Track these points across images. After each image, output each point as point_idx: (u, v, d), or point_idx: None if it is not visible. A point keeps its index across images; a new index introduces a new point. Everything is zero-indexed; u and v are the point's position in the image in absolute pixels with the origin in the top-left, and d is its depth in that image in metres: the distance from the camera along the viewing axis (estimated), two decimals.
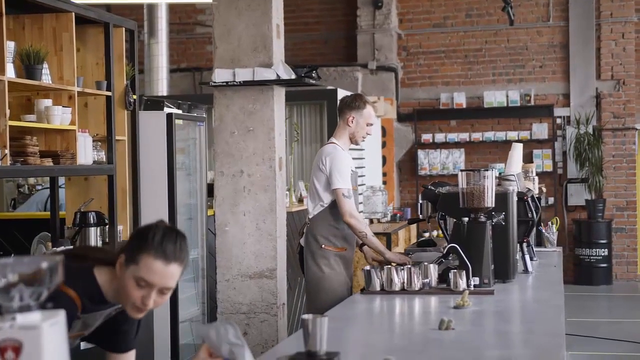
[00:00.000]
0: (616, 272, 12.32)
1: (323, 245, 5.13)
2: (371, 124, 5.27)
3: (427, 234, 10.52)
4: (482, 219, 4.33)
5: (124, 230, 5.78)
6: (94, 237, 5.31)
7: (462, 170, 4.39)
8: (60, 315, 1.75)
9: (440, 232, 5.89)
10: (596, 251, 12.03)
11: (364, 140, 5.35)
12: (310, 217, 5.24)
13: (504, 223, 4.45)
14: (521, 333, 3.39)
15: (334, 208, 5.13)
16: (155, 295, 2.57)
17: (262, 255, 5.52)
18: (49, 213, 5.67)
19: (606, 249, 12.05)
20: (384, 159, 12.22)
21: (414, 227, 10.70)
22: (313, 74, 5.73)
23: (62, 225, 5.55)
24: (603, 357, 7.98)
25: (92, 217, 5.34)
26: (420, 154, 12.73)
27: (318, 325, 2.68)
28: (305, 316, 2.70)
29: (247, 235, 5.55)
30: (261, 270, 5.54)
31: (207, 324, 2.61)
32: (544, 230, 6.29)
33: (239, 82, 5.50)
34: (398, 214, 10.59)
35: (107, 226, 5.51)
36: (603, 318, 10.10)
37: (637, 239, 12.50)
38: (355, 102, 5.24)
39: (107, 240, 5.53)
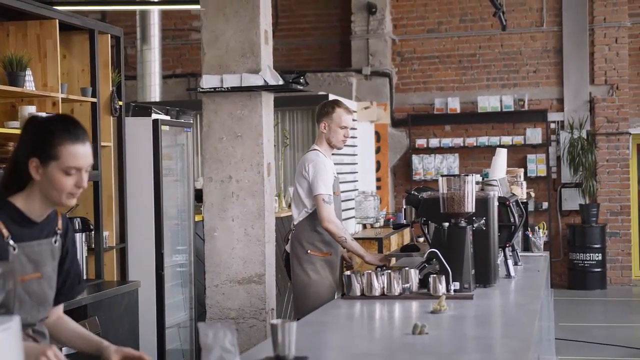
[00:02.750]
0: (610, 277, 12.32)
1: (309, 251, 5.20)
2: (345, 127, 5.31)
3: (422, 239, 10.51)
4: (463, 224, 4.33)
5: (109, 236, 5.80)
6: (80, 242, 5.33)
7: (442, 176, 4.40)
8: (14, 321, 1.77)
9: None
10: (590, 256, 12.03)
11: (344, 143, 5.40)
12: (295, 223, 5.32)
13: (484, 228, 4.46)
14: (492, 337, 3.40)
15: None
16: (84, 176, 2.69)
17: (251, 260, 5.53)
18: None
19: (600, 254, 12.06)
20: (379, 164, 12.24)
21: (407, 232, 10.71)
22: (301, 80, 5.75)
23: None
24: None
25: (77, 223, 5.35)
26: (415, 159, 12.74)
27: (286, 330, 2.71)
28: (274, 321, 2.72)
29: (235, 241, 5.56)
30: (250, 276, 5.55)
31: (211, 322, 2.64)
32: (530, 235, 6.29)
33: (227, 88, 5.51)
34: (391, 219, 10.60)
35: (92, 232, 5.52)
36: (597, 322, 10.11)
37: (631, 244, 12.51)
38: (324, 108, 5.34)
39: (92, 246, 5.55)
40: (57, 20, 5.16)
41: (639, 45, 12.53)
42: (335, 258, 5.30)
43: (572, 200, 12.40)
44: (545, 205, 12.36)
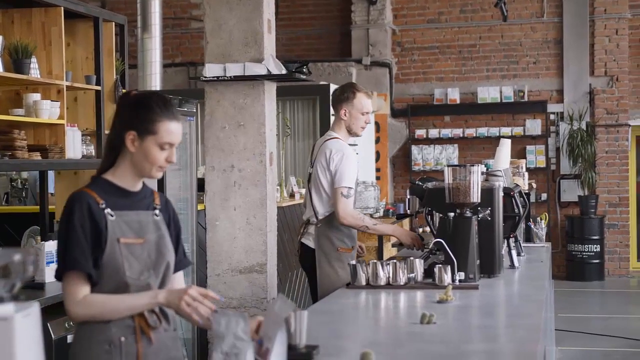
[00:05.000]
0: (608, 268, 12.36)
1: (339, 248, 5.05)
2: (366, 113, 5.10)
3: (421, 230, 10.51)
4: (468, 214, 4.33)
5: None
6: None
7: (448, 166, 4.40)
8: (34, 307, 1.77)
9: None
10: (588, 247, 12.06)
11: (364, 130, 5.21)
12: (319, 217, 5.10)
13: (489, 218, 4.46)
14: (500, 327, 3.41)
15: None
16: (175, 152, 2.86)
17: (253, 250, 5.53)
18: (38, 207, 5.68)
19: (598, 245, 12.09)
20: (378, 154, 12.24)
21: (406, 222, 10.73)
22: (304, 69, 5.74)
23: (51, 219, 5.57)
24: (594, 352, 8.02)
25: None
26: (414, 149, 12.75)
27: (297, 319, 2.71)
28: None
29: (237, 230, 5.56)
30: (251, 265, 5.56)
31: (224, 310, 2.65)
32: (532, 226, 6.30)
33: (230, 77, 5.50)
34: (391, 210, 10.60)
35: None
36: (594, 314, 10.14)
37: (629, 235, 12.54)
38: (344, 93, 5.11)
39: None
40: (62, 8, 5.16)
41: (639, 37, 12.54)
42: (355, 251, 5.25)
43: (571, 191, 12.43)
44: (544, 196, 12.38)
